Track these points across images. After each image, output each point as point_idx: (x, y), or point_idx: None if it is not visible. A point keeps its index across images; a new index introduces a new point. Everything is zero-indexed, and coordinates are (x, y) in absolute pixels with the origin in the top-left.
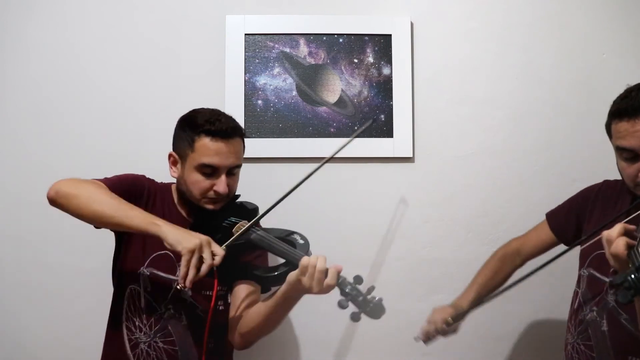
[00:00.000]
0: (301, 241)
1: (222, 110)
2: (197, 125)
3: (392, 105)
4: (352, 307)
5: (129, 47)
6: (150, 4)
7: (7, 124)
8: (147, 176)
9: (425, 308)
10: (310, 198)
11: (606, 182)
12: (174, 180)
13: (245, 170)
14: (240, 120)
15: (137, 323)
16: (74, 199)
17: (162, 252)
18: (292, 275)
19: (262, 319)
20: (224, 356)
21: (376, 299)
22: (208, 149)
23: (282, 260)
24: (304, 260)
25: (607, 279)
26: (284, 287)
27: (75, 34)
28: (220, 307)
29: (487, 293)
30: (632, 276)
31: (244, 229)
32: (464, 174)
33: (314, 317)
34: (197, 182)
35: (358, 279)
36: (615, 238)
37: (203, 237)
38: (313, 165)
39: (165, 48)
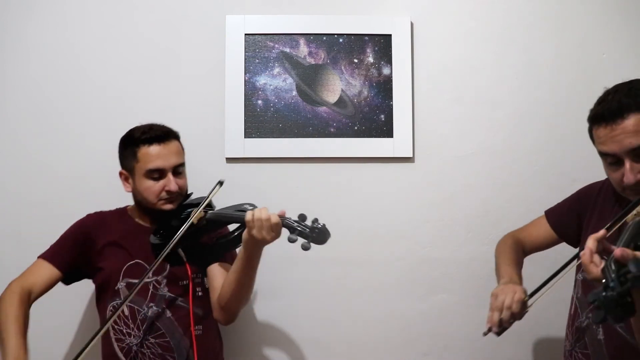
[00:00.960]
0: (250, 208)
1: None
2: (135, 139)
3: (392, 105)
4: (300, 241)
5: (129, 47)
6: (150, 4)
7: (7, 124)
8: (94, 211)
9: (425, 308)
10: (310, 198)
11: (608, 180)
12: (127, 203)
13: (246, 170)
14: (240, 120)
15: (125, 331)
16: None
17: (132, 262)
18: (245, 234)
19: (234, 285)
20: (214, 340)
21: (319, 224)
22: (150, 155)
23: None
24: (247, 214)
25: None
26: (242, 246)
27: (75, 34)
28: (199, 294)
29: (520, 273)
30: (603, 294)
31: (190, 219)
32: (464, 174)
33: (314, 318)
34: (149, 188)
35: (302, 217)
36: (588, 260)
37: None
38: (313, 165)
39: (165, 48)
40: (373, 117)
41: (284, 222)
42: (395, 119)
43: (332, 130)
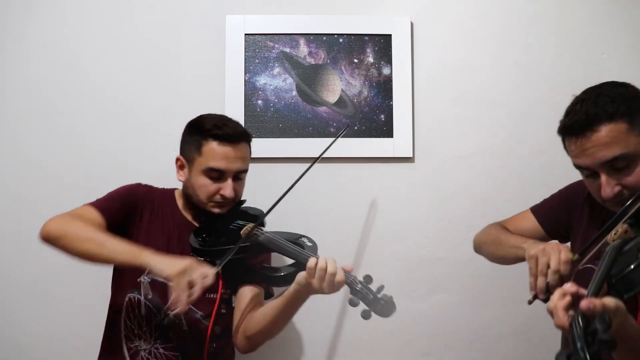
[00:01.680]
0: (309, 243)
1: (224, 112)
2: (205, 129)
3: (392, 105)
4: (362, 306)
5: (129, 47)
6: (150, 4)
7: (7, 124)
8: (145, 183)
9: (426, 308)
10: (310, 198)
11: None
12: (177, 186)
13: None
14: (240, 120)
15: (136, 331)
16: (61, 240)
17: None
18: (300, 276)
19: (268, 321)
20: (228, 357)
21: (387, 296)
22: (215, 153)
23: (288, 262)
24: (311, 261)
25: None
26: (292, 287)
27: (75, 34)
28: (223, 311)
29: None
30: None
31: (242, 239)
32: (464, 174)
33: (315, 317)
34: (204, 186)
35: (368, 279)
36: (558, 309)
37: (189, 261)
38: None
39: (165, 48)
40: (373, 117)
41: (347, 280)
42: (395, 119)
43: (332, 130)
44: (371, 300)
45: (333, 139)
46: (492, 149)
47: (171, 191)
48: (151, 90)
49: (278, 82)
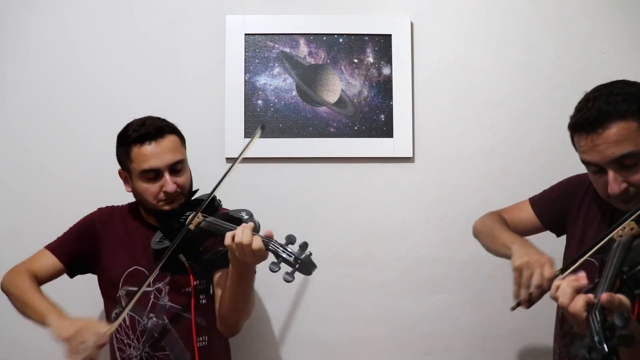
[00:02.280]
0: (246, 216)
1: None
2: (127, 137)
3: (392, 105)
4: (284, 268)
5: (129, 47)
6: (150, 4)
7: (7, 124)
8: (106, 206)
9: (425, 308)
10: (310, 198)
11: None
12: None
13: (246, 170)
14: (240, 120)
15: (125, 341)
16: (8, 297)
17: (132, 268)
18: (229, 254)
19: (230, 301)
20: (221, 352)
21: (304, 254)
22: (142, 155)
23: None
24: (227, 236)
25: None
26: (230, 264)
27: (75, 34)
28: (203, 301)
29: None
30: (587, 356)
31: (183, 229)
32: (464, 174)
33: (315, 317)
34: (147, 189)
35: (290, 239)
36: (570, 294)
37: (83, 323)
38: (313, 165)
39: (166, 48)
40: (373, 117)
41: (268, 246)
42: (395, 119)
43: (332, 130)
44: (291, 261)
45: (333, 139)
46: (492, 149)
47: (134, 203)
48: (151, 90)
49: (278, 82)
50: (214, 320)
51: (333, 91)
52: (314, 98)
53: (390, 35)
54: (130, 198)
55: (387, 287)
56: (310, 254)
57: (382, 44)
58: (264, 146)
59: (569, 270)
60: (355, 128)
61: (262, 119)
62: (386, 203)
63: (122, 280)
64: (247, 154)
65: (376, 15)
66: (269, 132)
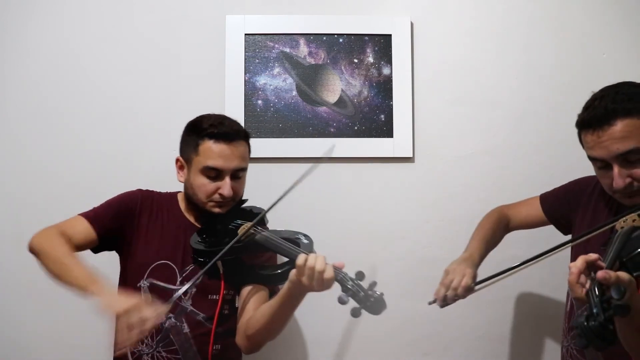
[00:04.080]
0: (305, 241)
1: (224, 112)
2: (202, 129)
3: (392, 105)
4: (352, 303)
5: (129, 47)
6: (150, 4)
7: (7, 124)
8: (146, 189)
9: (425, 308)
10: (310, 198)
11: None
12: (180, 188)
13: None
14: (240, 120)
15: None
16: (39, 256)
17: (161, 261)
18: (292, 274)
19: (267, 320)
20: (232, 358)
21: (377, 294)
22: (212, 151)
23: (285, 260)
24: (300, 259)
25: None
26: (285, 285)
27: (75, 34)
28: (226, 312)
29: (488, 251)
30: (585, 323)
31: (244, 231)
32: (464, 174)
33: (315, 317)
34: (203, 185)
35: (360, 275)
36: (574, 280)
37: (133, 303)
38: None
39: (165, 48)
40: (373, 117)
41: (338, 277)
42: (395, 119)
43: (332, 130)
44: (361, 297)
45: (333, 139)
46: (492, 149)
47: (174, 194)
48: (151, 90)
49: (278, 82)
50: (230, 332)
51: (333, 91)
52: (314, 98)
53: (390, 35)
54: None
55: (387, 287)
56: (382, 294)
57: (382, 44)
58: (264, 146)
59: (483, 285)
60: (355, 128)
61: (262, 119)
62: (386, 203)
63: (148, 271)
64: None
65: (376, 15)
66: (268, 132)
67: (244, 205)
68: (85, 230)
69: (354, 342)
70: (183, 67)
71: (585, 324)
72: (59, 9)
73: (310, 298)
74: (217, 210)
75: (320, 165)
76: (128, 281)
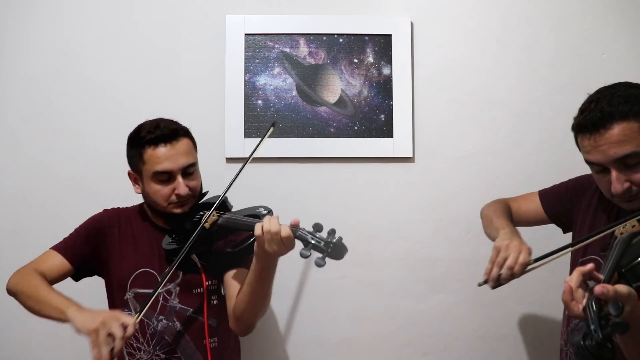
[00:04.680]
0: (264, 212)
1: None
2: (140, 138)
3: (392, 105)
4: (315, 255)
5: (129, 47)
6: (150, 4)
7: (7, 124)
8: (111, 207)
9: (425, 308)
10: (310, 198)
11: None
12: (127, 203)
13: (246, 170)
14: (240, 120)
15: (135, 345)
16: (17, 297)
17: (140, 270)
18: (255, 246)
19: (249, 297)
20: (232, 353)
21: (336, 238)
22: (155, 157)
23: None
24: (257, 227)
25: None
26: (254, 258)
27: (75, 34)
28: (214, 302)
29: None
30: (582, 342)
31: (201, 224)
32: (464, 174)
33: (314, 317)
34: (158, 191)
35: (317, 226)
36: (576, 277)
37: (108, 314)
38: (313, 165)
39: (166, 48)
40: (373, 117)
41: (296, 233)
42: (395, 119)
43: (332, 130)
44: (322, 247)
45: (333, 139)
46: (492, 149)
47: (141, 205)
48: (151, 90)
49: (278, 82)
50: (224, 321)
51: (333, 91)
52: (314, 98)
53: (390, 35)
54: (130, 200)
55: (387, 287)
56: (341, 238)
57: (382, 44)
58: (264, 146)
59: (544, 260)
60: (355, 128)
61: (262, 119)
62: (386, 203)
63: (129, 282)
64: (255, 154)
65: (376, 15)
66: None
67: (205, 198)
68: (58, 262)
69: (354, 342)
70: (183, 67)
71: (582, 343)
72: (59, 8)
73: (311, 298)
74: (179, 210)
75: (321, 165)
76: (115, 299)
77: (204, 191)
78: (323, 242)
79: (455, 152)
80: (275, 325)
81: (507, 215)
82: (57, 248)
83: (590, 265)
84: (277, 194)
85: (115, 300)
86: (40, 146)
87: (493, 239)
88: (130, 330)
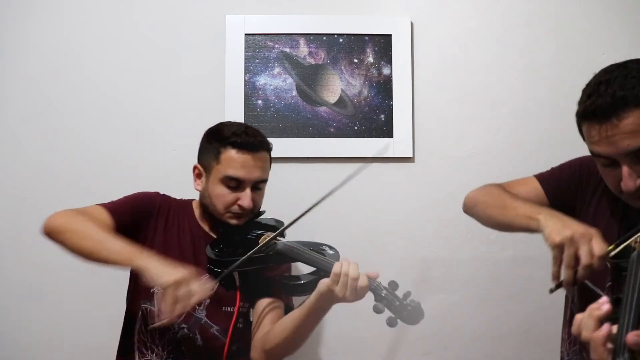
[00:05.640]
0: (331, 251)
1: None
2: (224, 137)
3: (392, 105)
4: (387, 313)
5: (128, 47)
6: (150, 4)
7: (7, 124)
8: (162, 192)
9: (425, 308)
10: (310, 198)
11: None
12: (194, 196)
13: None
14: (240, 120)
15: (148, 344)
16: (63, 234)
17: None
18: (322, 284)
19: (288, 333)
20: None
21: (414, 302)
22: (234, 161)
23: (307, 271)
24: (336, 266)
25: (600, 292)
26: (313, 296)
27: (75, 34)
28: (240, 325)
29: None
30: None
31: (266, 240)
32: (464, 174)
33: None
34: (222, 196)
35: (393, 285)
36: (593, 325)
37: (188, 271)
38: (313, 165)
39: (165, 48)
40: (373, 117)
41: (371, 286)
42: (395, 119)
43: (332, 130)
44: (397, 307)
45: (333, 139)
46: (492, 149)
47: (188, 202)
48: (151, 90)
49: (278, 82)
50: (244, 347)
51: (333, 91)
52: (314, 98)
53: (390, 35)
54: None
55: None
56: (419, 302)
57: (382, 44)
58: None
59: (623, 245)
60: (355, 128)
61: (262, 119)
62: (386, 203)
63: None
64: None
65: (376, 15)
66: (269, 132)
67: (261, 217)
68: (104, 219)
69: (354, 341)
70: (183, 67)
71: None
72: (59, 8)
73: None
74: (234, 222)
75: (321, 165)
76: (141, 283)
77: (261, 210)
78: (398, 303)
79: (455, 152)
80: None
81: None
82: (105, 207)
83: (606, 307)
84: (277, 194)
85: (139, 287)
86: (40, 146)
87: (514, 229)
88: (206, 294)
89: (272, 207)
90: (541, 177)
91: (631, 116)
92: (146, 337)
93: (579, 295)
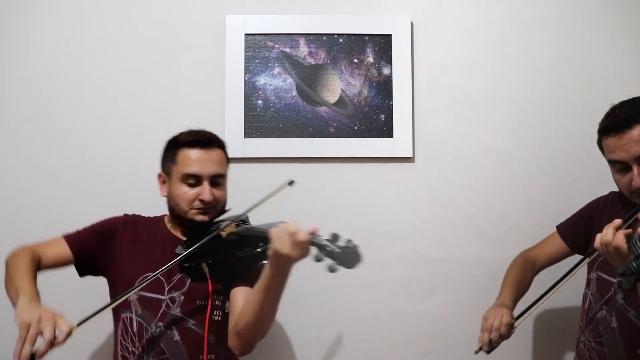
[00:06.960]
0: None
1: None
2: (179, 141)
3: (392, 105)
4: (328, 261)
5: (129, 47)
6: (150, 4)
7: (7, 124)
8: (132, 214)
9: (425, 308)
10: (310, 198)
11: (612, 192)
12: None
13: (246, 170)
14: (240, 120)
15: (130, 348)
16: (5, 270)
17: (147, 274)
18: (270, 250)
19: (255, 308)
20: None
21: (351, 244)
22: (189, 158)
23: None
24: (273, 229)
25: (614, 280)
26: (266, 265)
27: (75, 34)
28: (216, 317)
29: (520, 295)
30: (634, 263)
31: (226, 224)
32: (464, 174)
33: (314, 317)
34: (183, 194)
35: (334, 236)
36: (612, 235)
37: (48, 314)
38: (313, 165)
39: (166, 48)
40: (373, 117)
41: (313, 239)
42: (395, 119)
43: (332, 130)
44: (336, 253)
45: (333, 139)
46: (492, 149)
47: (161, 217)
48: (151, 90)
49: (278, 82)
50: (223, 339)
51: (333, 91)
52: (314, 98)
53: (390, 35)
54: (131, 199)
55: (387, 287)
56: (357, 245)
57: (382, 44)
58: (264, 146)
59: (522, 318)
60: (355, 128)
61: (262, 119)
62: (386, 203)
63: (136, 283)
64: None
65: (376, 15)
66: (269, 132)
67: (226, 214)
68: (61, 249)
69: (354, 342)
70: (183, 67)
71: (634, 263)
72: (59, 8)
73: (310, 298)
74: (200, 217)
75: (321, 165)
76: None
77: (226, 208)
78: (338, 249)
79: (455, 152)
80: (274, 324)
81: (520, 277)
82: (66, 236)
83: (618, 221)
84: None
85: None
86: (40, 146)
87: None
88: (60, 337)
89: (272, 206)
90: (560, 227)
91: (638, 129)
92: (127, 343)
93: (597, 286)
